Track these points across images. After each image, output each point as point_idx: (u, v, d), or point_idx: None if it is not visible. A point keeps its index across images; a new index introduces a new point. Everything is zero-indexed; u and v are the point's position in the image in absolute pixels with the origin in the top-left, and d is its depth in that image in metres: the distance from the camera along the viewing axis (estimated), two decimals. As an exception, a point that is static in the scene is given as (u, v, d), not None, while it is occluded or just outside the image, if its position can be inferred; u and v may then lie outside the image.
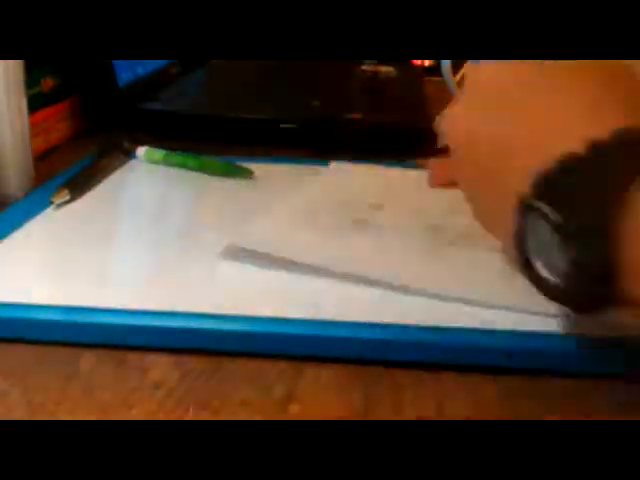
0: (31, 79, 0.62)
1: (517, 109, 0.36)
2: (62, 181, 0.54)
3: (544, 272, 0.33)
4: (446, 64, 0.78)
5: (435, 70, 0.98)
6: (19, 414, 0.32)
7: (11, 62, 0.55)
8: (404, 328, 0.37)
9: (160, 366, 0.36)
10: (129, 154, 0.63)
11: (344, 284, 0.42)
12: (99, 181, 0.57)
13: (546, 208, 0.32)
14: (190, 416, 0.33)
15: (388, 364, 0.36)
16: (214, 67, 0.94)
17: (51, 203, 0.52)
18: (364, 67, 0.96)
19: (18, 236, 0.47)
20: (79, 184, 0.55)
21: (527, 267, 0.34)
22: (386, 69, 0.95)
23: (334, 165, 0.61)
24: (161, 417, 0.32)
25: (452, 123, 0.40)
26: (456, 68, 0.83)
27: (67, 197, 0.52)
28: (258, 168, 0.61)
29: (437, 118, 0.43)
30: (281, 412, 0.33)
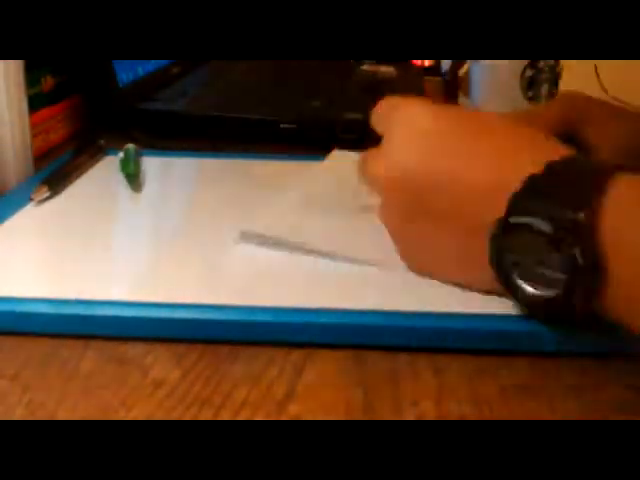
0: (31, 79, 0.62)
1: (459, 152, 0.39)
2: (40, 178, 0.54)
3: (526, 286, 0.36)
4: (446, 64, 0.78)
5: (435, 70, 0.98)
6: (19, 414, 0.32)
7: (11, 62, 0.55)
8: (424, 314, 0.38)
9: (160, 365, 0.36)
10: (104, 151, 0.63)
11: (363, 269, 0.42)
12: (78, 177, 0.58)
13: (536, 221, 0.34)
14: (190, 416, 0.33)
15: (388, 364, 0.36)
16: (214, 67, 0.94)
17: (31, 200, 0.52)
18: (364, 67, 0.96)
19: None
20: (58, 180, 0.55)
21: (510, 285, 0.36)
22: (386, 69, 0.95)
23: (335, 153, 0.61)
24: (161, 417, 0.32)
25: (387, 169, 0.41)
26: (456, 68, 0.83)
27: (47, 194, 0.53)
28: (257, 165, 0.61)
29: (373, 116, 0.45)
30: (281, 412, 0.33)
